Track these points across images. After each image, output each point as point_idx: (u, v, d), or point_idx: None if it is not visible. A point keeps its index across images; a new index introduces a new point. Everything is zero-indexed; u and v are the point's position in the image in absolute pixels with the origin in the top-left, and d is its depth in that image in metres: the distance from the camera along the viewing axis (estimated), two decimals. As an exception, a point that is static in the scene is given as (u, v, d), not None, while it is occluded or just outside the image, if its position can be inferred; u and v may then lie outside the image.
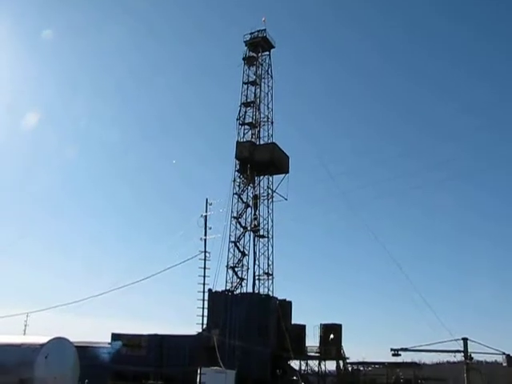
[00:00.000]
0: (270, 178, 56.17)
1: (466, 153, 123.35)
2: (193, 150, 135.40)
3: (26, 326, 52.23)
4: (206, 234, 24.69)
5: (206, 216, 25.00)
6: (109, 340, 53.73)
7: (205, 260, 23.97)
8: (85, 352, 34.36)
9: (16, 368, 23.76)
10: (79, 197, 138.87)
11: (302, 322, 51.10)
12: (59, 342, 25.81)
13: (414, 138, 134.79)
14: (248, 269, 53.29)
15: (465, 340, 44.19)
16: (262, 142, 55.83)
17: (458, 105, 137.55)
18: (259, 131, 56.34)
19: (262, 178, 56.03)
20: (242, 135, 55.74)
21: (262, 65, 57.97)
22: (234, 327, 45.56)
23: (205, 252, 24.17)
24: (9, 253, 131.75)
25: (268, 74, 57.73)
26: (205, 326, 26.57)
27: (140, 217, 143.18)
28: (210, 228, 24.96)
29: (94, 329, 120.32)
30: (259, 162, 53.18)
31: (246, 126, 56.17)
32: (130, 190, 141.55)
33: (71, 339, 27.11)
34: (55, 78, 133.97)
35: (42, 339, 25.45)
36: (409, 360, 46.85)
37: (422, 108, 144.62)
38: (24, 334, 47.04)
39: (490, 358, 55.42)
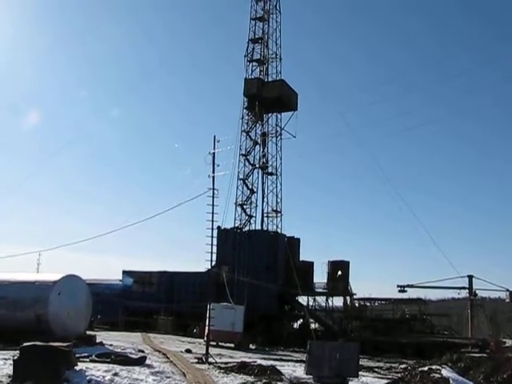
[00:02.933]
0: (279, 116, 55.79)
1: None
2: (200, 89, 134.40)
3: (38, 264, 53.36)
4: (214, 172, 24.51)
5: (213, 153, 24.74)
6: (120, 277, 54.82)
7: (213, 197, 23.90)
8: (97, 289, 35.10)
9: (31, 304, 24.37)
10: (87, 136, 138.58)
11: (309, 259, 51.71)
12: (71, 279, 26.32)
13: (418, 75, 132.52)
14: (256, 206, 53.66)
15: (470, 277, 44.87)
16: (270, 79, 55.13)
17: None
18: (267, 68, 55.51)
19: (270, 115, 55.63)
20: (250, 72, 55.05)
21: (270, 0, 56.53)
22: (243, 264, 46.24)
23: (213, 189, 24.06)
24: (21, 192, 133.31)
25: (276, 9, 56.35)
26: (214, 263, 26.81)
27: (147, 155, 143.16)
28: (218, 165, 24.76)
29: (105, 267, 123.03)
30: (267, 98, 52.66)
31: (254, 63, 55.36)
32: (137, 131, 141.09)
33: (83, 277, 27.68)
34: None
35: (55, 276, 25.96)
36: (414, 296, 47.74)
37: (430, 46, 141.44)
38: (37, 272, 47.98)
39: (493, 295, 56.47)
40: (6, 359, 15.59)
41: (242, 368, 18.59)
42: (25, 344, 13.46)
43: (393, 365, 26.23)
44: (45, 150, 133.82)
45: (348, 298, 48.32)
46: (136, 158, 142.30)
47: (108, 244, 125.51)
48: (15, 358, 13.20)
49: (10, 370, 13.09)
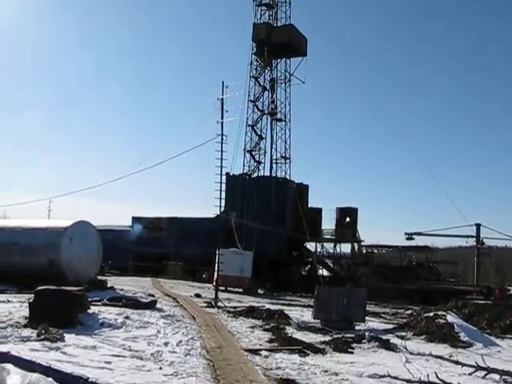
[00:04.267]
0: (288, 61, 54.94)
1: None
2: (208, 35, 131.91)
3: (49, 210, 54.00)
4: (222, 117, 24.40)
5: (222, 99, 24.56)
6: (129, 223, 55.38)
7: (222, 143, 23.87)
8: (107, 235, 35.48)
9: (44, 249, 24.82)
10: (95, 86, 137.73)
11: (318, 206, 51.88)
12: (82, 225, 26.69)
13: (428, 25, 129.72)
14: (265, 152, 53.58)
15: (478, 226, 44.99)
16: (279, 24, 54.15)
17: None
18: (276, 12, 54.36)
19: (279, 60, 54.81)
20: (258, 17, 53.90)
21: None
22: (252, 210, 46.45)
23: (222, 135, 24.01)
24: (32, 141, 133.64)
25: None
26: (223, 209, 27.02)
27: (156, 102, 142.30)
28: (227, 111, 24.60)
29: (114, 213, 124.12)
30: (276, 43, 51.78)
31: (263, 7, 54.20)
32: (145, 79, 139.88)
33: (93, 223, 28.02)
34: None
35: (66, 223, 26.33)
36: (422, 244, 48.00)
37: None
38: (48, 218, 48.54)
39: (500, 244, 56.67)
40: (22, 302, 16.02)
41: (250, 312, 18.99)
42: (39, 288, 13.79)
43: (399, 311, 26.66)
44: (53, 99, 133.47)
45: (356, 244, 48.69)
46: (144, 104, 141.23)
47: (117, 191, 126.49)
48: (30, 301, 13.55)
49: (26, 312, 13.44)
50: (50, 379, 6.69)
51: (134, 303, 18.01)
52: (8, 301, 17.28)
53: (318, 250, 49.80)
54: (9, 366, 7.25)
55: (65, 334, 11.14)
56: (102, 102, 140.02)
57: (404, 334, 16.06)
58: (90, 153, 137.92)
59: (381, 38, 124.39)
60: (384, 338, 14.37)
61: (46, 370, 6.65)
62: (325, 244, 49.93)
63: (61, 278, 20.80)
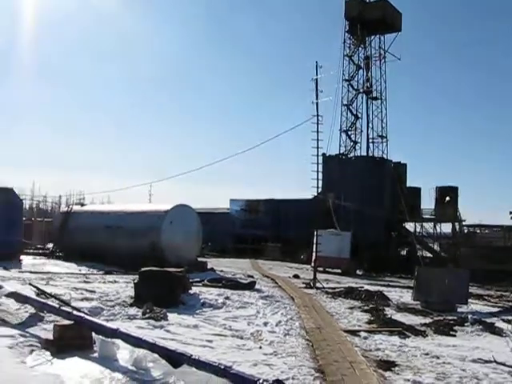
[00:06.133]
0: (382, 38, 53.71)
1: None
2: (298, 14, 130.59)
3: (150, 195, 55.99)
4: (317, 98, 24.16)
5: (316, 79, 24.32)
6: (227, 206, 56.43)
7: (317, 123, 23.69)
8: (206, 217, 36.27)
9: (146, 232, 25.82)
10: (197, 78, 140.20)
11: (417, 185, 50.78)
12: (182, 209, 27.47)
13: None
14: (361, 132, 53.04)
15: None
16: (371, 0, 52.94)
17: None
18: (368, -13, 53.20)
19: (373, 37, 53.68)
20: (349, -7, 52.97)
21: None
22: (349, 191, 46.04)
23: (317, 115, 23.82)
24: (134, 129, 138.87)
25: None
26: (320, 190, 26.94)
27: (245, 81, 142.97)
28: (322, 91, 24.35)
29: (212, 196, 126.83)
30: (370, 20, 50.71)
31: (354, -16, 53.14)
32: (232, 62, 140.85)
33: (192, 206, 28.75)
34: None
35: (166, 206, 27.18)
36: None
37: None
38: (149, 202, 50.35)
39: None
40: (127, 283, 16.82)
41: (348, 293, 18.91)
42: (143, 269, 14.39)
43: (504, 293, 25.58)
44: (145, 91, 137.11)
45: (457, 224, 47.23)
46: (232, 84, 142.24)
47: (215, 174, 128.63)
48: (135, 281, 14.17)
49: (131, 292, 14.08)
50: (156, 355, 7.00)
51: (233, 284, 18.42)
52: (115, 281, 18.21)
53: (418, 230, 48.81)
54: (118, 341, 7.68)
55: (168, 314, 11.59)
56: (195, 88, 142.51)
57: (511, 317, 15.41)
58: (189, 139, 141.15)
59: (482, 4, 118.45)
60: (488, 321, 13.86)
61: (152, 347, 6.94)
62: (424, 224, 48.81)
63: (162, 259, 21.54)
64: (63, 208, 37.66)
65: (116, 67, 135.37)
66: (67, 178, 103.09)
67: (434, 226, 48.46)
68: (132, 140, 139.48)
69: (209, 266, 26.16)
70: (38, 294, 12.26)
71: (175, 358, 6.53)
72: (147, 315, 11.34)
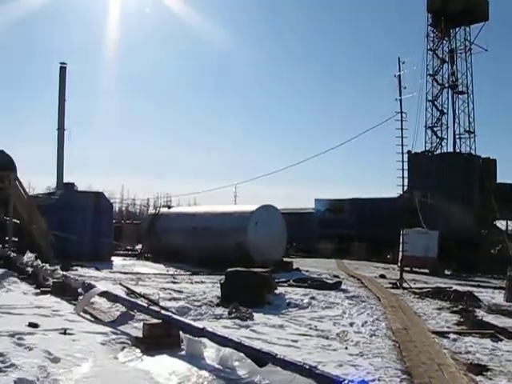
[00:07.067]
0: (467, 29, 51.64)
1: None
2: (379, 9, 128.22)
3: (235, 196, 56.81)
4: (400, 94, 23.72)
5: (399, 75, 23.90)
6: (312, 206, 56.36)
7: (401, 120, 23.27)
8: (290, 217, 36.38)
9: (233, 233, 26.23)
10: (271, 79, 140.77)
11: (508, 181, 48.83)
12: (267, 209, 27.74)
13: None
14: (447, 128, 51.39)
15: None
16: (455, -10, 51.22)
17: None
18: (451, -23, 51.53)
19: (457, 29, 51.85)
20: (432, -14, 51.52)
21: None
22: (436, 188, 44.88)
23: (401, 112, 23.40)
24: (217, 133, 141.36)
25: None
26: (405, 188, 26.47)
27: (325, 80, 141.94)
28: (405, 87, 23.84)
29: (295, 196, 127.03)
30: (453, 12, 48.94)
31: (437, -25, 51.66)
32: (317, 59, 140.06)
33: (277, 206, 28.94)
34: None
35: (251, 207, 27.52)
36: None
37: None
38: (235, 203, 51.10)
39: None
40: (213, 283, 17.16)
41: (436, 293, 18.47)
42: (229, 269, 14.65)
43: None
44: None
45: (553, 221, 45.15)
46: (306, 86, 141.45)
47: (297, 174, 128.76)
48: (222, 281, 14.45)
49: (218, 292, 14.38)
50: (241, 354, 7.14)
51: (319, 284, 18.39)
52: (202, 281, 18.62)
53: (510, 228, 46.95)
54: (204, 340, 7.89)
55: (253, 313, 11.76)
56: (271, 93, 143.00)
57: None
58: (267, 142, 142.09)
59: None
60: None
61: (238, 346, 7.08)
62: (518, 222, 46.90)
63: (248, 259, 21.81)
64: (151, 210, 38.85)
65: (205, 71, 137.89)
66: (155, 182, 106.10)
67: (528, 224, 46.57)
68: (216, 142, 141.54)
69: (294, 266, 26.24)
70: (128, 294, 12.76)
71: (260, 358, 6.64)
72: (233, 315, 11.55)
